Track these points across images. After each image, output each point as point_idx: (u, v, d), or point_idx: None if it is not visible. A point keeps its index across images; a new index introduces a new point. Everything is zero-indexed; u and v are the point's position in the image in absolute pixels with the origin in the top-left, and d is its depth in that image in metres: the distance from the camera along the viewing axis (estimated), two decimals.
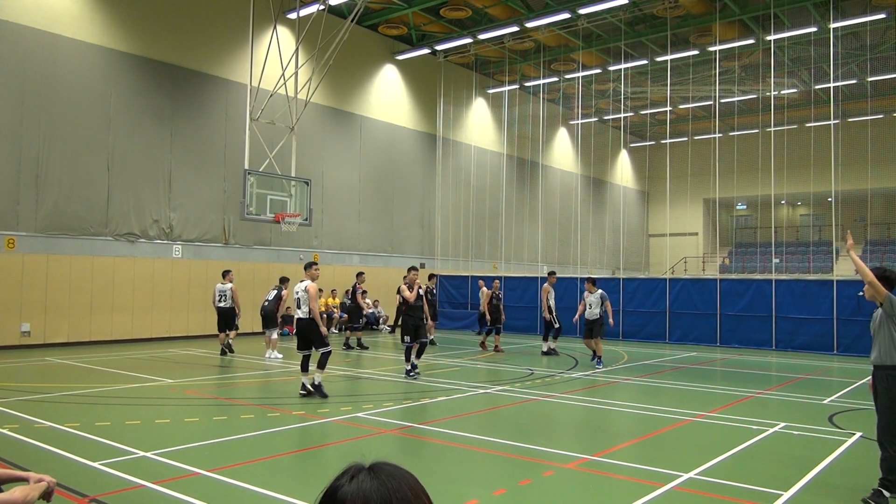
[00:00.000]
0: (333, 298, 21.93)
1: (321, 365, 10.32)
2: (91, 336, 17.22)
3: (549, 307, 16.56)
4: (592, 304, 14.93)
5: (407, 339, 12.49)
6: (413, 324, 12.60)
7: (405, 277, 13.06)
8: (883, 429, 5.78)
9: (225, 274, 15.62)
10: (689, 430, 8.59)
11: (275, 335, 15.22)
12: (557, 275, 18.41)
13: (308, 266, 10.84)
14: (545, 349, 16.69)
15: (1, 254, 15.79)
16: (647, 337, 21.08)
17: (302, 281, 10.56)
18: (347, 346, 17.10)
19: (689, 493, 5.90)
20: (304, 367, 10.40)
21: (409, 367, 12.43)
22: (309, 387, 10.22)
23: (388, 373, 13.26)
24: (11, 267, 15.91)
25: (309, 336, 10.44)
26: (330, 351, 10.46)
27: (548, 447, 7.42)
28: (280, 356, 14.89)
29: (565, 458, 7.01)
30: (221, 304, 15.18)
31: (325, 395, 10.11)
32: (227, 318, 15.20)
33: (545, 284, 17.20)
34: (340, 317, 21.27)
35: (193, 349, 16.44)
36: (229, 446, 7.34)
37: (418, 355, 12.65)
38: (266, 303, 15.42)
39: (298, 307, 10.46)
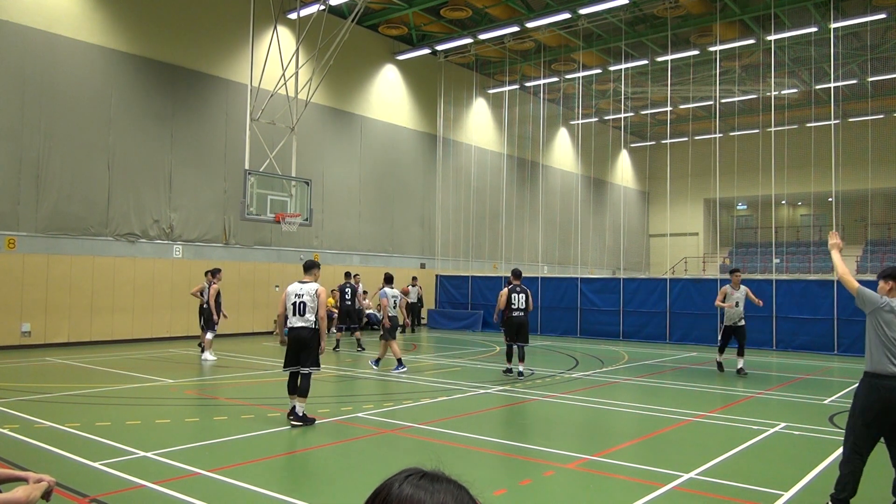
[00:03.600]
0: (334, 299, 21.87)
1: (305, 391, 8.37)
2: (91, 336, 17.22)
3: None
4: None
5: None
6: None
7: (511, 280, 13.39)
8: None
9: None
10: (689, 430, 8.58)
11: (210, 336, 14.67)
12: (557, 275, 18.29)
13: (310, 267, 8.98)
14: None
15: (1, 254, 15.79)
16: (648, 337, 21.08)
17: (303, 282, 8.72)
18: (361, 348, 17.04)
19: (689, 493, 5.90)
20: (294, 389, 8.51)
21: (520, 369, 12.88)
22: (299, 414, 8.33)
23: (388, 373, 13.25)
24: (12, 267, 15.92)
25: (308, 349, 8.54)
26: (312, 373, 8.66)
27: (548, 447, 7.42)
28: (214, 359, 14.41)
29: (565, 458, 7.01)
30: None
31: (313, 421, 8.38)
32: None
33: (727, 286, 14.08)
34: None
35: (194, 349, 16.42)
36: (229, 446, 7.34)
37: (521, 359, 12.89)
38: (206, 305, 14.72)
39: (298, 313, 8.55)
